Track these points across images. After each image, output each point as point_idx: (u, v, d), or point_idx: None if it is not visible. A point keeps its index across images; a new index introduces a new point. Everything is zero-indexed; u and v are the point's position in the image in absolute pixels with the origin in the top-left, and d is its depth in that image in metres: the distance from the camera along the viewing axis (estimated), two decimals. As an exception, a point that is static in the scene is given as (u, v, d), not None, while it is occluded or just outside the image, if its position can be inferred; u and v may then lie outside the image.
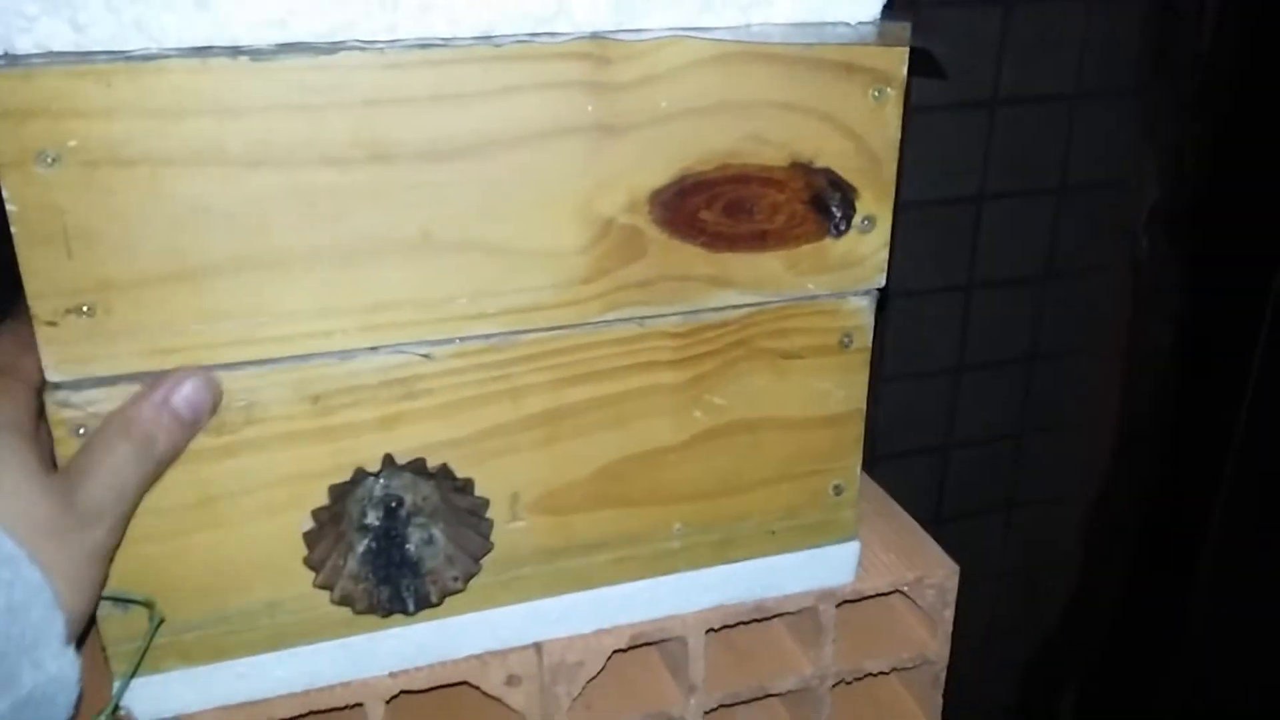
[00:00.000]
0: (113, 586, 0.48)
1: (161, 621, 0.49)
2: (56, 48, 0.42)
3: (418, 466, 0.50)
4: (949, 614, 0.64)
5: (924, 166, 1.15)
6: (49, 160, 0.42)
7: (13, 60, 0.41)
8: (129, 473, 0.44)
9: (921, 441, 1.29)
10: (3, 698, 0.39)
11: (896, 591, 0.64)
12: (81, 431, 0.45)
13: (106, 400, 0.46)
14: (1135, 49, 1.15)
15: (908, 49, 0.52)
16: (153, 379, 0.46)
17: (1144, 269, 1.21)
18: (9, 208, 0.42)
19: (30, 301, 0.44)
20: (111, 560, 0.45)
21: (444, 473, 0.51)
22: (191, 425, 0.47)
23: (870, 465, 1.28)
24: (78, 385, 0.45)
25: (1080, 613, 1.35)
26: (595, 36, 0.47)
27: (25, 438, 0.43)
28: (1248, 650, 1.30)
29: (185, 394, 0.46)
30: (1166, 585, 1.31)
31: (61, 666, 0.41)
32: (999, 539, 1.37)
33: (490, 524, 0.53)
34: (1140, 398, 1.26)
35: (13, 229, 0.42)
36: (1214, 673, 1.31)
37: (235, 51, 0.43)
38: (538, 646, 0.57)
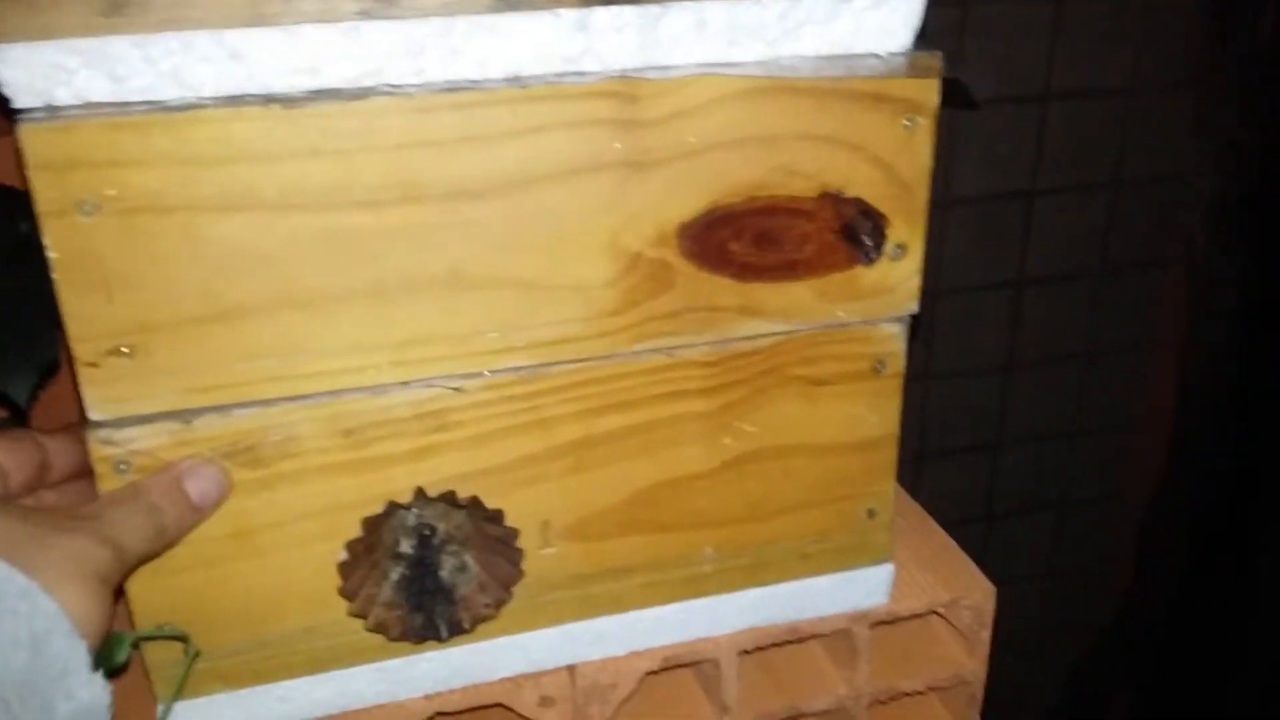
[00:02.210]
0: (152, 619, 0.50)
1: (197, 655, 0.51)
2: (95, 99, 0.44)
3: (449, 498, 0.52)
4: (986, 635, 0.65)
5: (976, 161, 1.15)
6: (89, 209, 0.44)
7: (53, 112, 0.43)
8: (134, 525, 0.46)
9: (973, 439, 1.29)
10: None
11: (933, 612, 0.64)
12: (123, 468, 0.47)
13: (146, 438, 0.48)
14: (1191, 42, 1.13)
15: (939, 80, 0.52)
16: (167, 467, 0.48)
17: (1200, 265, 1.20)
18: (51, 255, 0.44)
19: (71, 344, 0.46)
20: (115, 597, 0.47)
21: (475, 504, 0.52)
22: (197, 510, 0.49)
23: (920, 462, 1.29)
24: (119, 424, 0.47)
25: (1134, 614, 1.35)
26: (623, 75, 0.48)
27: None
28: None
29: (197, 480, 0.49)
30: (1223, 588, 1.30)
31: (94, 694, 0.43)
32: (1051, 538, 1.36)
33: (521, 553, 0.54)
34: (1196, 396, 1.25)
35: (54, 275, 0.44)
36: (1271, 680, 1.30)
37: (268, 100, 0.45)
38: (571, 669, 0.59)
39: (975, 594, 0.64)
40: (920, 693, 0.67)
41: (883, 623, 0.63)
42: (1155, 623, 1.34)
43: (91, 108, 0.43)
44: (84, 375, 0.46)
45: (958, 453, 1.29)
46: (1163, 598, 1.32)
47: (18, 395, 0.59)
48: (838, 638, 0.64)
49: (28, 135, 0.42)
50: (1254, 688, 1.31)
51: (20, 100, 0.43)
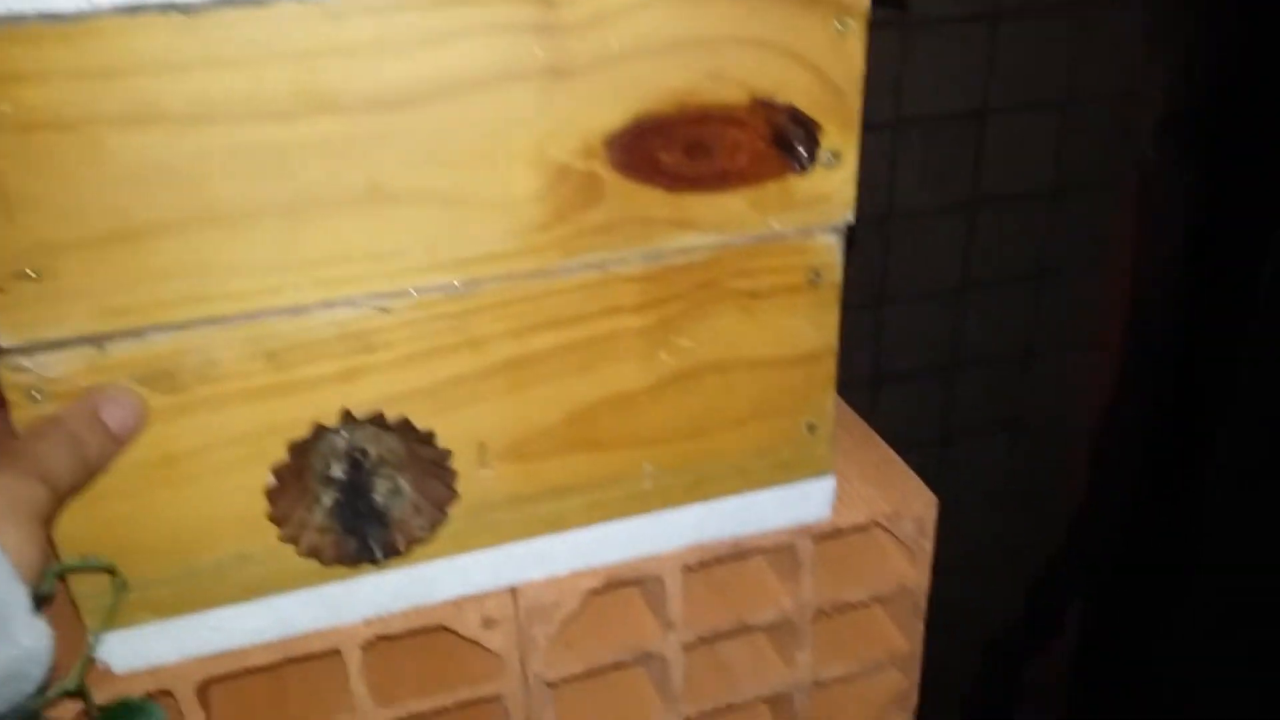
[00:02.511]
0: (77, 550, 0.49)
1: (125, 586, 0.50)
2: (-17, 9, 0.41)
3: (377, 420, 0.51)
4: (928, 545, 0.65)
5: (925, 81, 1.13)
6: (-17, 125, 0.42)
7: (-61, 23, 0.41)
8: (59, 457, 0.45)
9: (927, 362, 1.29)
10: None
11: (875, 524, 0.64)
12: (36, 396, 0.46)
13: (60, 363, 0.46)
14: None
15: (869, -22, 0.50)
16: (82, 395, 0.47)
17: (1152, 181, 1.19)
18: (-54, 175, 0.42)
19: (-25, 268, 0.44)
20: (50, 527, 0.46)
21: (404, 425, 0.51)
22: (117, 440, 0.48)
23: (875, 386, 1.28)
24: (30, 350, 0.46)
25: (1086, 532, 1.36)
26: (541, -23, 0.46)
27: None
28: (1255, 570, 1.30)
29: (114, 407, 0.47)
30: (1172, 506, 1.31)
31: (35, 638, 0.42)
32: (1006, 459, 1.37)
33: (455, 474, 0.53)
34: (1147, 314, 1.25)
35: (-49, 196, 0.43)
36: (1221, 594, 1.32)
37: (167, 7, 0.43)
38: (513, 589, 0.58)
39: (916, 505, 0.64)
40: (864, 604, 0.67)
41: (826, 536, 0.63)
42: (1107, 540, 1.35)
43: (-20, 18, 0.41)
44: (-10, 300, 0.44)
45: (913, 376, 1.29)
46: (1114, 515, 1.34)
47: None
48: (781, 552, 0.63)
49: (-89, 47, 0.40)
50: (1202, 603, 1.32)
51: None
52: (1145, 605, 1.37)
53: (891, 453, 0.68)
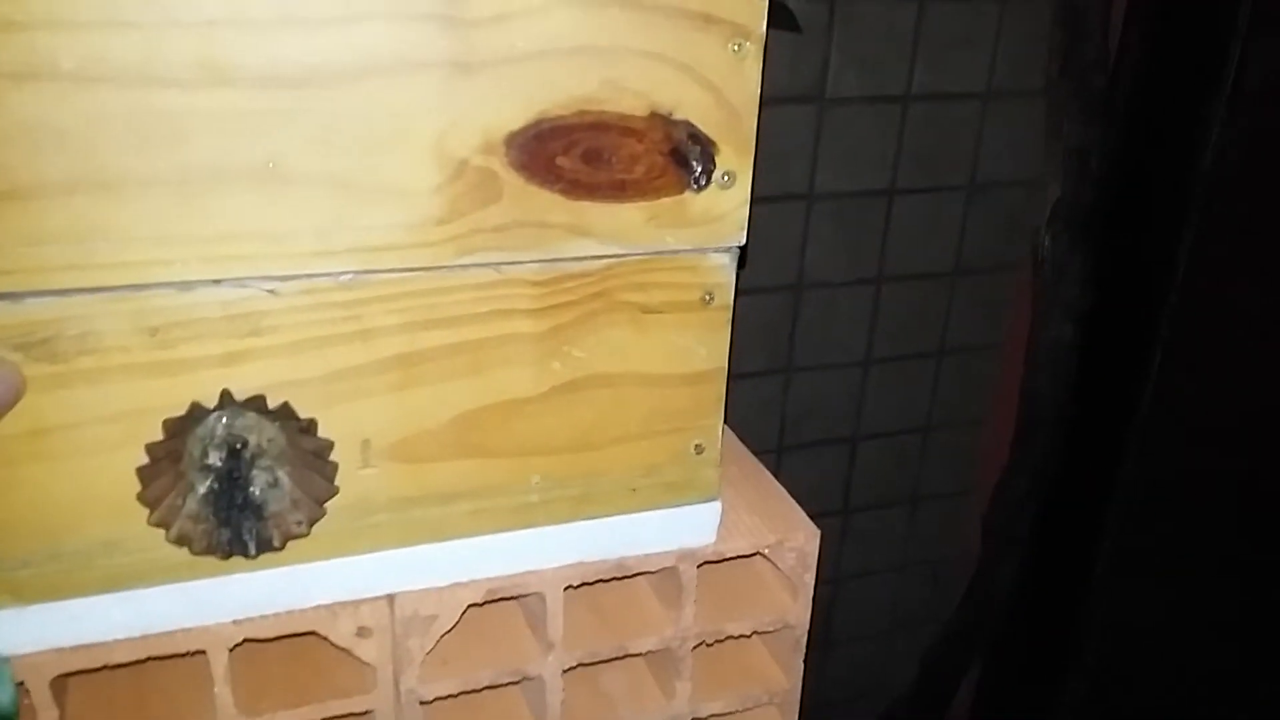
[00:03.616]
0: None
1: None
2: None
3: (257, 404, 0.49)
4: (809, 578, 0.64)
5: (837, 159, 1.16)
6: None
7: None
8: None
9: (830, 433, 1.29)
10: None
11: (759, 554, 0.63)
12: (-101, 352, 0.44)
13: (-72, 322, 0.44)
14: (1045, 50, 1.16)
15: (766, 2, 0.51)
16: None
17: (1046, 266, 1.22)
18: None
19: None
20: None
21: (286, 412, 0.50)
22: None
23: (779, 455, 1.28)
24: (-103, 304, 0.44)
25: (978, 601, 1.36)
26: (450, -30, 0.47)
27: None
28: (1140, 640, 1.32)
29: None
30: (1061, 577, 1.32)
31: None
32: (905, 529, 1.37)
33: (335, 467, 0.52)
34: (1040, 392, 1.27)
35: None
36: (1107, 663, 1.33)
37: (68, -38, 0.42)
38: (390, 598, 0.56)
39: (799, 536, 0.63)
40: (745, 637, 0.65)
41: (709, 562, 0.62)
42: (997, 611, 1.35)
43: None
44: None
45: (817, 445, 1.30)
46: (1003, 586, 1.34)
47: None
48: (665, 577, 0.62)
49: None
50: (1087, 674, 1.33)
51: None
52: (1034, 677, 1.37)
53: (778, 486, 0.68)
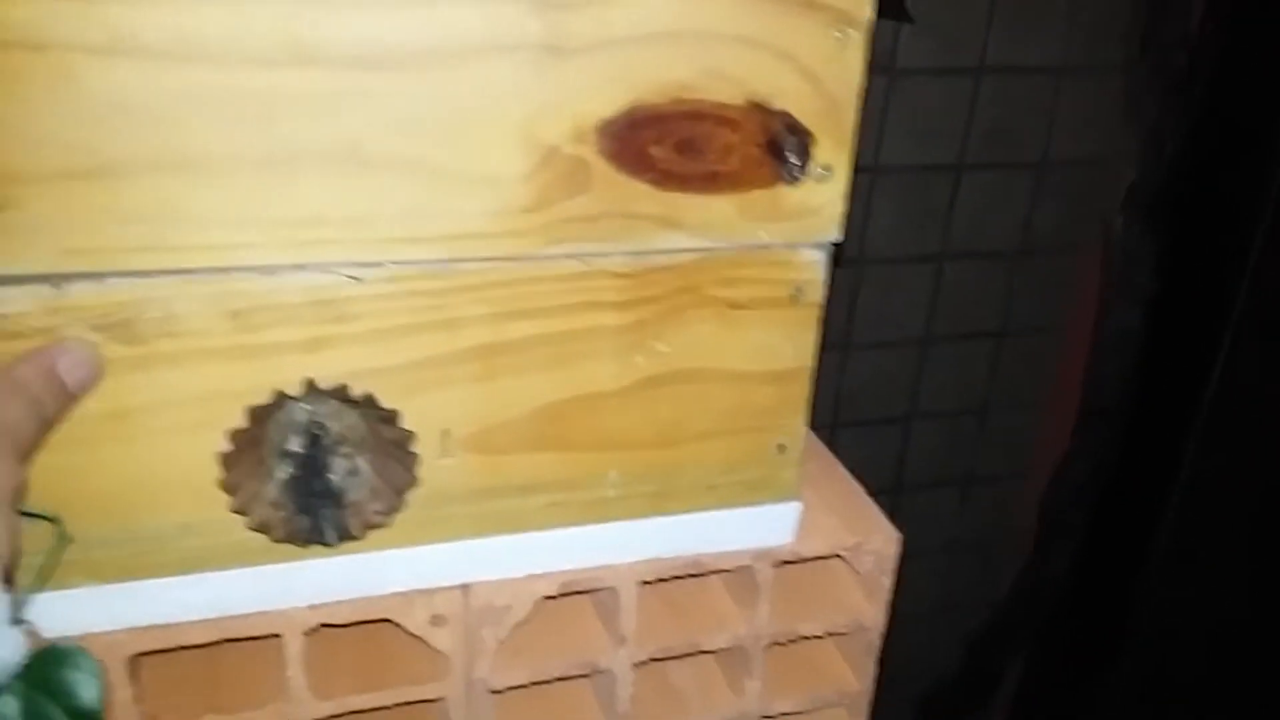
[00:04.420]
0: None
1: (67, 538, 0.46)
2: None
3: (341, 393, 0.47)
4: (887, 581, 0.62)
5: (905, 131, 1.12)
6: (-49, 42, 0.39)
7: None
8: (26, 426, 0.41)
9: (886, 411, 1.27)
10: None
11: (836, 556, 0.61)
12: (-15, 331, 0.42)
13: (14, 301, 0.42)
14: (1124, 26, 1.12)
15: (874, -11, 0.48)
16: (36, 349, 0.43)
17: (1117, 249, 1.19)
18: (-91, 90, 0.39)
19: (-68, 191, 0.40)
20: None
21: (369, 401, 0.48)
22: (72, 397, 0.44)
23: (833, 432, 1.26)
24: (-19, 283, 0.42)
25: (1030, 588, 1.34)
26: (547, -50, 0.44)
27: None
28: (1190, 635, 1.29)
29: (70, 362, 0.43)
30: (1117, 566, 1.30)
31: (8, 649, 0.37)
32: (957, 511, 1.35)
33: (417, 458, 0.50)
34: (1104, 378, 1.24)
35: (-88, 113, 0.39)
36: (1155, 657, 1.30)
37: (159, -64, 0.40)
38: (465, 587, 0.55)
39: (878, 539, 0.61)
40: (818, 638, 0.64)
41: (786, 562, 0.60)
42: (1048, 599, 1.33)
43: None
44: (-57, 227, 0.41)
45: (872, 424, 1.27)
46: (1057, 574, 1.32)
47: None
48: (740, 575, 0.60)
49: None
50: (1136, 672, 1.31)
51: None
52: (1081, 668, 1.35)
53: (856, 485, 0.65)
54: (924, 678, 1.42)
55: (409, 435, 0.49)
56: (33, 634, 0.48)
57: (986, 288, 1.26)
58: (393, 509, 0.50)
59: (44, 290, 0.43)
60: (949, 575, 1.38)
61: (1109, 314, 1.20)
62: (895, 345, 1.27)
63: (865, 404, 1.30)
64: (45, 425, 0.43)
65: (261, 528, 0.48)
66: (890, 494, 1.31)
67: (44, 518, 0.46)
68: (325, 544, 0.49)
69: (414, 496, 0.51)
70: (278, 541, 0.49)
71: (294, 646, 0.52)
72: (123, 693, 0.50)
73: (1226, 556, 1.25)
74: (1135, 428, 1.24)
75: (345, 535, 0.50)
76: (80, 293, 0.43)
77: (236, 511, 0.48)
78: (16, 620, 0.39)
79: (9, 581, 0.40)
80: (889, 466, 1.32)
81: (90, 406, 0.45)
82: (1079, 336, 1.25)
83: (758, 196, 0.51)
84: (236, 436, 0.47)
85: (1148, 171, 1.14)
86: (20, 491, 0.40)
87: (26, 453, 0.41)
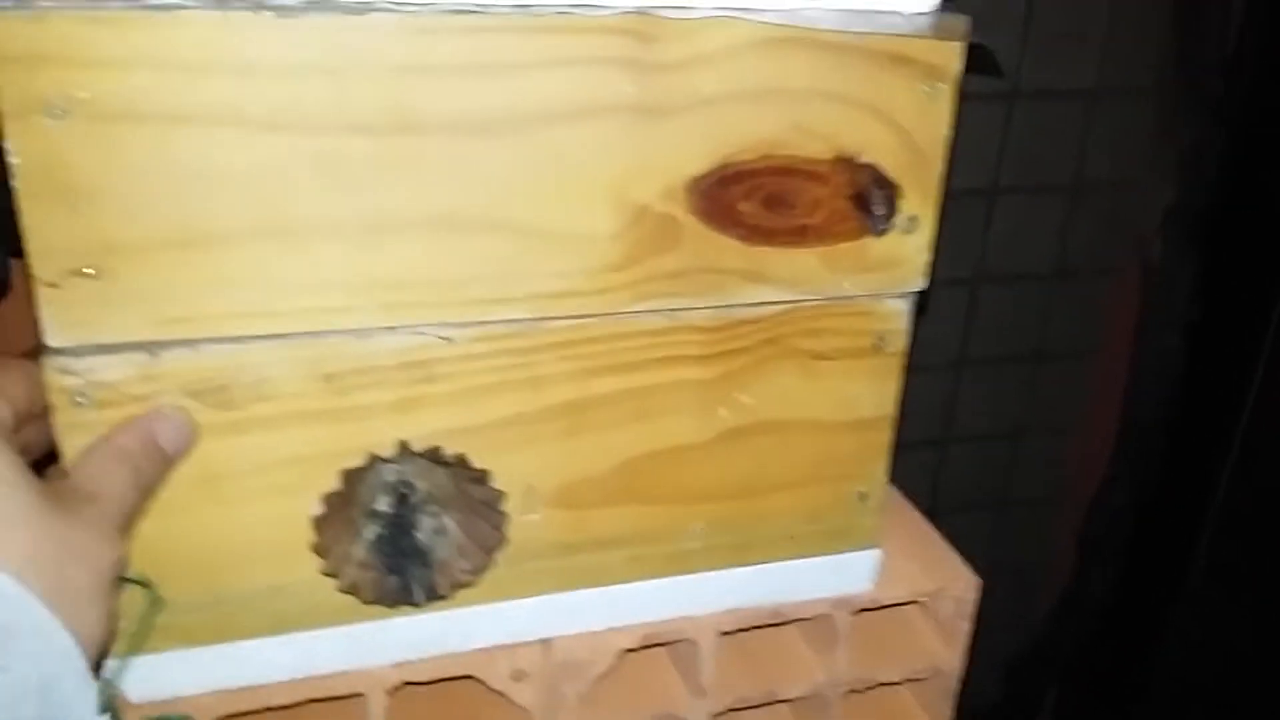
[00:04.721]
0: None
1: (160, 604, 0.46)
2: (69, -10, 0.38)
3: (434, 454, 0.47)
4: (966, 626, 0.61)
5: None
6: (57, 111, 0.38)
7: (22, 2, 0.37)
8: (128, 500, 0.41)
9: (921, 435, 1.26)
10: None
11: (914, 602, 0.60)
12: (82, 401, 0.42)
13: (109, 369, 0.42)
14: (1158, 47, 1.11)
15: (963, 44, 0.48)
16: (135, 418, 0.42)
17: (1155, 272, 1.18)
18: (12, 160, 0.38)
19: (32, 260, 0.40)
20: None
21: (460, 461, 0.47)
22: (171, 463, 0.43)
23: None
24: (79, 352, 0.41)
25: (1068, 614, 1.33)
26: (640, 12, 0.43)
27: (17, 467, 0.37)
28: (1229, 662, 1.28)
29: (166, 428, 0.43)
30: (1155, 592, 1.29)
31: None
32: (993, 536, 1.34)
33: (506, 517, 0.49)
34: (1143, 402, 1.23)
35: (15, 183, 0.39)
36: (1195, 683, 1.29)
37: (259, 6, 0.39)
38: (546, 642, 0.54)
39: (959, 585, 0.60)
40: (894, 684, 0.63)
41: (864, 610, 0.59)
42: (1089, 625, 1.32)
43: (66, 0, 0.38)
44: (44, 296, 0.40)
45: (906, 447, 1.26)
46: (1097, 600, 1.31)
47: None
48: (817, 623, 0.59)
49: (-8, 23, 0.37)
50: (1176, 694, 1.30)
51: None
52: (1120, 693, 1.34)
53: (929, 527, 0.65)
54: (962, 704, 1.40)
55: (499, 495, 0.48)
56: (127, 703, 0.47)
57: (1021, 311, 1.25)
58: (481, 568, 0.50)
59: (139, 357, 0.42)
60: (986, 599, 1.37)
61: (1148, 336, 1.19)
62: (930, 369, 1.26)
63: (900, 427, 1.29)
64: (146, 494, 0.42)
65: (351, 590, 0.48)
66: (925, 517, 1.30)
67: (136, 582, 0.45)
68: (413, 604, 0.49)
69: (500, 553, 0.50)
70: (367, 603, 0.48)
71: (377, 705, 0.51)
72: (210, 755, 0.50)
73: (1266, 580, 1.24)
74: (1174, 452, 1.23)
75: (433, 595, 0.49)
76: (176, 360, 0.43)
77: (328, 574, 0.47)
78: (105, 709, 0.39)
79: (100, 665, 0.39)
80: (924, 490, 1.31)
81: (183, 471, 0.44)
82: (1115, 359, 1.24)
83: (843, 249, 0.50)
84: (328, 499, 0.46)
85: (1186, 194, 1.14)
86: (121, 566, 0.39)
87: (129, 524, 0.41)
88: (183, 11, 0.38)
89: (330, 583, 0.48)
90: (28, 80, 0.37)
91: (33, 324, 0.41)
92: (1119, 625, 1.33)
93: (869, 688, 0.61)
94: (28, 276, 0.40)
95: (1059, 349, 1.30)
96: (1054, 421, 1.32)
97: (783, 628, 0.61)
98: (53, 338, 0.41)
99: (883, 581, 0.59)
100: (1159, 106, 1.15)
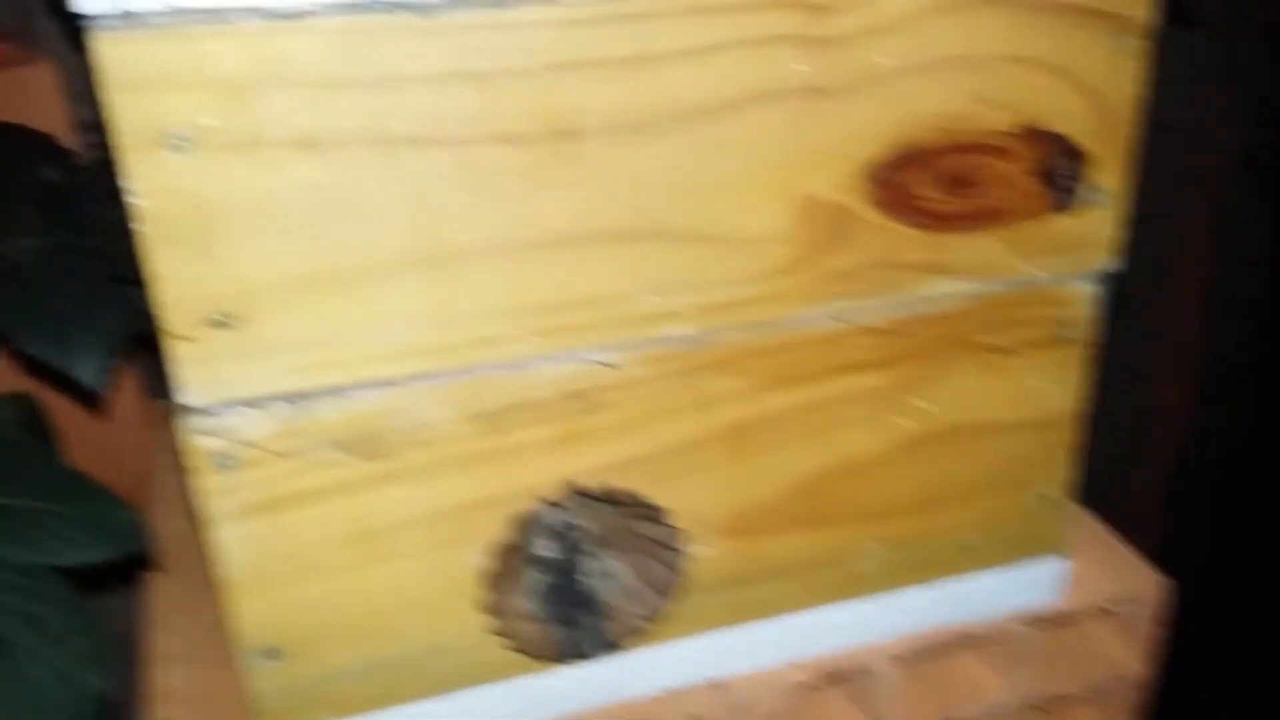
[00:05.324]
0: (259, 638, 0.40)
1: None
2: (184, 3, 0.33)
3: (606, 493, 0.42)
4: (1155, 632, 0.55)
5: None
6: (180, 143, 0.33)
7: (131, 19, 0.32)
8: None
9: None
10: None
11: (1101, 610, 0.55)
12: (225, 463, 0.37)
13: (253, 426, 0.37)
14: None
15: (1155, -11, 0.42)
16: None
17: (1229, 216, 1.11)
18: (136, 201, 0.34)
19: (161, 312, 0.35)
20: None
21: (631, 498, 0.42)
22: None
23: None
24: (218, 410, 0.36)
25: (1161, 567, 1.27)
26: (808, -19, 0.38)
27: None
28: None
29: None
30: (1243, 548, 1.22)
31: None
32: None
33: (680, 554, 0.44)
34: (1227, 351, 1.16)
35: (140, 227, 0.34)
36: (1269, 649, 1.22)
37: (395, 6, 0.34)
38: (719, 683, 0.49)
39: (1150, 590, 0.54)
40: (1074, 696, 0.57)
41: (1050, 623, 0.54)
42: (1181, 581, 1.26)
43: (180, 14, 0.33)
44: (178, 351, 0.36)
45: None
46: (1186, 557, 1.24)
47: (89, 377, 0.45)
48: (994, 640, 0.54)
49: (103, 46, 0.32)
50: (1269, 651, 1.23)
51: (88, 4, 0.32)
52: (1214, 656, 1.28)
53: (1103, 528, 0.59)
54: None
55: (673, 531, 0.43)
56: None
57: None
58: (655, 611, 0.44)
59: (284, 411, 0.37)
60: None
61: (1224, 282, 1.13)
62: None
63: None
64: None
65: (519, 646, 0.43)
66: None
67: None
68: (584, 658, 0.44)
69: (674, 593, 0.45)
70: (536, 658, 0.43)
71: (543, 764, 0.47)
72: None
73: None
74: (1263, 401, 1.16)
75: (606, 647, 0.44)
76: (323, 409, 0.38)
77: (497, 632, 0.42)
78: None
79: None
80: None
81: (334, 532, 0.40)
82: (1190, 305, 1.17)
83: (1027, 229, 0.45)
84: (492, 549, 0.41)
85: (1258, 137, 1.07)
86: None
87: None
88: (313, 19, 0.33)
89: (491, 638, 0.43)
90: (143, 108, 0.33)
91: (132, 441, 0.36)
92: (1212, 583, 1.26)
93: (1050, 703, 0.55)
94: (122, 386, 0.35)
95: (1129, 294, 1.23)
96: (1126, 371, 1.24)
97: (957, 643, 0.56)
98: (190, 396, 0.36)
99: (1065, 591, 0.53)
100: (1221, 46, 1.08)
